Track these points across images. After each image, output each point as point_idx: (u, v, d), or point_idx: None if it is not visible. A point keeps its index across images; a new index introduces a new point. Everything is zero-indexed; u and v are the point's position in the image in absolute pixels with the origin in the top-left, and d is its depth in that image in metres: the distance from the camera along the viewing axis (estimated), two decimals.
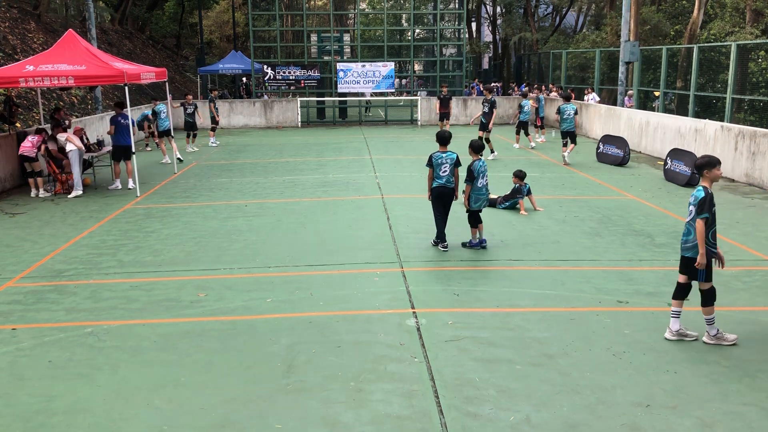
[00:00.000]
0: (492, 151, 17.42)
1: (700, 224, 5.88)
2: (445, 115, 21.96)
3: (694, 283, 6.11)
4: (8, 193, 13.76)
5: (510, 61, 44.32)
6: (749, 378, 5.42)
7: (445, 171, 8.74)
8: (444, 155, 8.77)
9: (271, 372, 5.61)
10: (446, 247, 9.01)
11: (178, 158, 17.03)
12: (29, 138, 13.48)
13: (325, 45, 29.28)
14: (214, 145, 20.93)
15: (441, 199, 8.89)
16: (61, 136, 13.53)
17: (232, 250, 9.24)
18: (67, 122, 15.38)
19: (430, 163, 8.81)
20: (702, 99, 19.70)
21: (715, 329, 6.09)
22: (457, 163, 8.76)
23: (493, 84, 32.86)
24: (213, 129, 21.10)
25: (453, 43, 36.38)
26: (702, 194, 5.92)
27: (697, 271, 5.98)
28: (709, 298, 6.03)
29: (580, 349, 5.96)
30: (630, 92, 22.26)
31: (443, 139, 8.88)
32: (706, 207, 5.88)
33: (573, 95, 20.66)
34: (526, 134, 19.74)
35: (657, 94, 20.64)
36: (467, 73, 33.54)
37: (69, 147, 13.23)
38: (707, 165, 6.03)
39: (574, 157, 17.06)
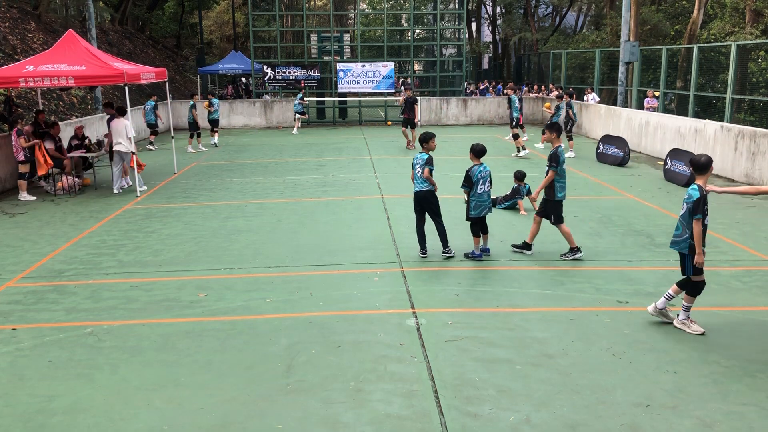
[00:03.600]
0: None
1: (697, 226, 6.05)
2: (408, 121, 19.40)
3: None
4: (8, 193, 13.76)
5: (510, 62, 44.34)
6: (749, 378, 5.43)
7: (418, 173, 8.52)
8: (418, 157, 8.56)
9: (271, 372, 5.61)
10: (425, 254, 8.73)
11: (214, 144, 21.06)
12: (13, 142, 13.03)
13: (325, 45, 29.28)
14: (213, 143, 21.11)
15: (417, 203, 8.64)
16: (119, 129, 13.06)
17: (232, 250, 9.25)
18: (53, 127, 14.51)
19: (412, 165, 8.70)
20: (702, 99, 19.70)
21: (686, 315, 6.33)
22: (427, 163, 8.39)
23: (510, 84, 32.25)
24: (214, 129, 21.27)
25: (453, 43, 36.40)
26: (697, 194, 6.03)
27: (686, 265, 6.20)
28: (694, 290, 6.24)
29: (580, 349, 5.96)
30: (649, 92, 21.26)
31: (420, 140, 8.66)
32: (700, 208, 6.01)
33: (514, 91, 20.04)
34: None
35: (657, 94, 20.57)
36: (467, 74, 33.52)
37: (120, 147, 13.02)
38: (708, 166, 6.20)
39: (570, 155, 17.19)
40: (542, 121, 26.69)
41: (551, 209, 8.52)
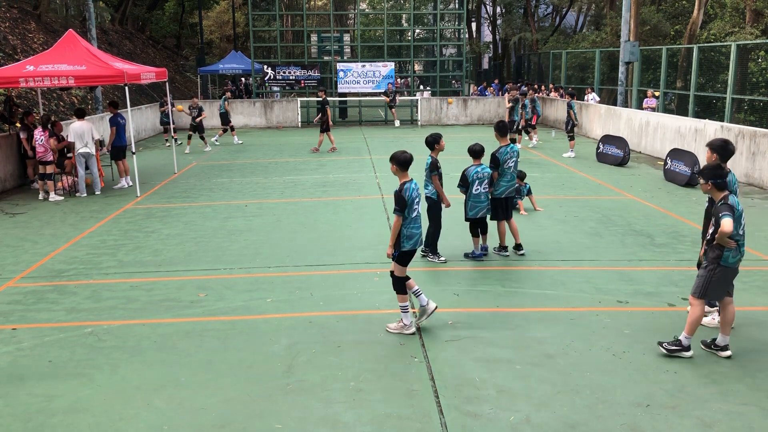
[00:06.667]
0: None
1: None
2: (322, 124, 18.73)
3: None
4: (8, 193, 13.76)
5: (510, 61, 44.32)
6: (749, 378, 5.43)
7: (425, 177, 8.45)
8: (427, 161, 8.42)
9: (271, 372, 5.61)
10: (425, 252, 8.59)
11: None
12: (37, 140, 12.86)
13: (325, 45, 29.30)
14: (217, 143, 21.20)
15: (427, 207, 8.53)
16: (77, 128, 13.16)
17: (232, 250, 9.25)
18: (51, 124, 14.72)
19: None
20: (702, 99, 19.70)
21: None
22: (432, 168, 8.27)
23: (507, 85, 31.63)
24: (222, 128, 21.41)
25: (453, 43, 36.40)
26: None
27: None
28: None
29: (580, 349, 5.96)
30: (649, 92, 20.97)
31: (427, 143, 8.40)
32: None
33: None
34: (526, 133, 19.86)
35: (657, 93, 20.55)
36: (467, 73, 33.51)
37: (82, 149, 13.05)
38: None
39: (570, 155, 17.18)
40: (542, 120, 26.67)
41: (491, 205, 8.68)
